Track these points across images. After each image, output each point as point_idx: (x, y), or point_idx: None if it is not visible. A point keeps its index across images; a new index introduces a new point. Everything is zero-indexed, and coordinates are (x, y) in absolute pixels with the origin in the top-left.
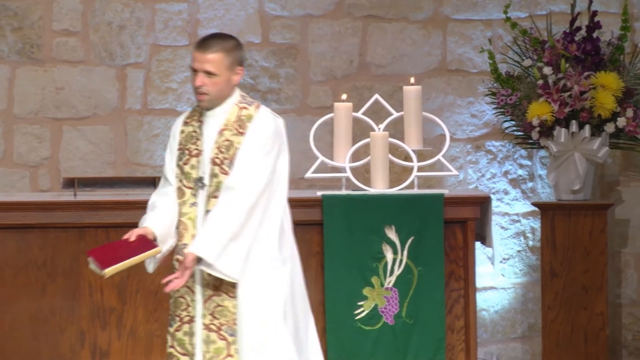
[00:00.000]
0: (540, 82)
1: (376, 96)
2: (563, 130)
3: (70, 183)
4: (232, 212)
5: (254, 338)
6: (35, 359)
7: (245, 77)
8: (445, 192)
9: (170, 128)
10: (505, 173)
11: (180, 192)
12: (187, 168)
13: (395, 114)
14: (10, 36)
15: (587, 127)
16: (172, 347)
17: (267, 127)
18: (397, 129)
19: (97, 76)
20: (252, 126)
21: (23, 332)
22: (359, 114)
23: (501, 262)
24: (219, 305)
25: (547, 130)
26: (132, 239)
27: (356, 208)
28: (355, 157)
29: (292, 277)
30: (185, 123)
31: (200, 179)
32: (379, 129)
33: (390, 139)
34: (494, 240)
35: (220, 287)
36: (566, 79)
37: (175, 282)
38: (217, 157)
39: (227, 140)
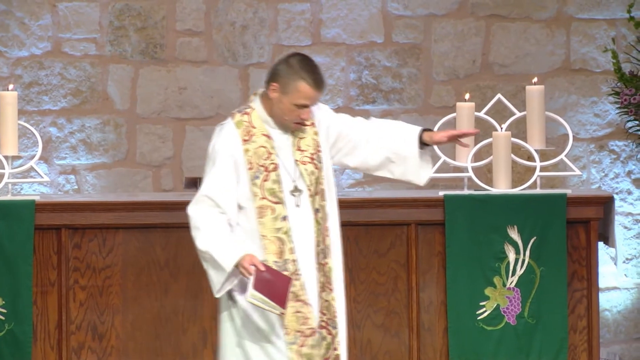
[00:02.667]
0: None
1: (499, 96)
2: None
3: (193, 183)
4: None
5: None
6: (158, 359)
7: (368, 76)
8: (568, 192)
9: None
10: (629, 173)
11: (265, 210)
12: (268, 184)
13: (518, 114)
14: (134, 36)
15: None
16: None
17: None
18: (519, 129)
19: (220, 76)
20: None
21: (145, 332)
22: (482, 114)
23: (624, 262)
24: (326, 301)
25: None
26: (263, 267)
27: (478, 208)
28: (477, 156)
29: None
30: (245, 141)
31: (295, 188)
32: (502, 128)
33: (513, 139)
34: (617, 240)
35: (325, 283)
36: None
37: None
38: (305, 157)
39: (301, 138)
